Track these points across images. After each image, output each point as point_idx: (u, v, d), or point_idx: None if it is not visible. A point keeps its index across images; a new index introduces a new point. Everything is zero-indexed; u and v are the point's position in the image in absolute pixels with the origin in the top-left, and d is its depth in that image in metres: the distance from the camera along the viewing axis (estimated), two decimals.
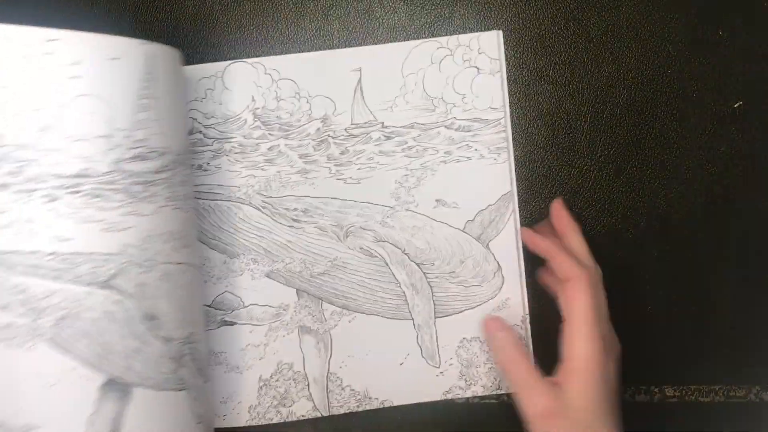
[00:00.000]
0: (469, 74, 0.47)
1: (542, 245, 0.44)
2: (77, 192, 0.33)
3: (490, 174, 0.47)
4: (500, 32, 0.47)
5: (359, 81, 0.47)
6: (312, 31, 0.47)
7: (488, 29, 0.47)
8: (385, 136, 0.47)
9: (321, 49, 0.47)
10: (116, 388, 0.34)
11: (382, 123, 0.47)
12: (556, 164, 0.48)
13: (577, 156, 0.48)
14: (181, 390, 0.37)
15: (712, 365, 0.49)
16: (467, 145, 0.47)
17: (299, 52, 0.47)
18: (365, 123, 0.47)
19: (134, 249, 0.34)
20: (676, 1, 0.47)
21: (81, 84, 0.33)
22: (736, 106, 0.47)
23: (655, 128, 0.48)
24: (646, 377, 0.50)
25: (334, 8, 0.47)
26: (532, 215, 0.48)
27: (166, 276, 0.36)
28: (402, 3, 0.47)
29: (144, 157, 0.35)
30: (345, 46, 0.47)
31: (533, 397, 0.41)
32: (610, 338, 0.43)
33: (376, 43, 0.47)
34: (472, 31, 0.47)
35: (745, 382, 0.49)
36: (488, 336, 0.46)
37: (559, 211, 0.46)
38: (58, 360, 0.33)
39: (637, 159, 0.48)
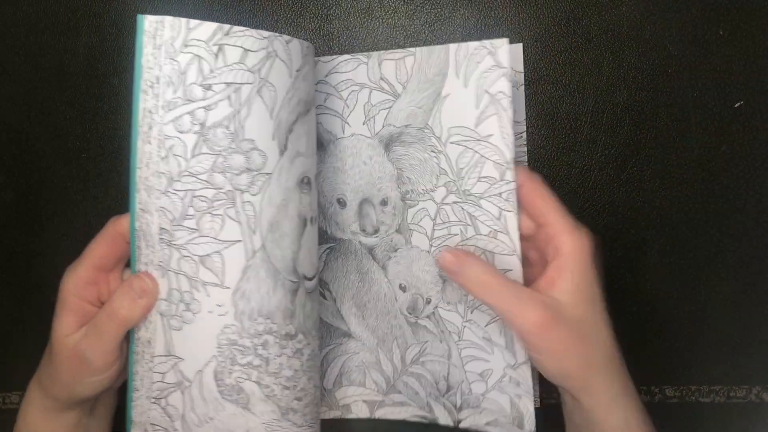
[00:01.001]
0: None
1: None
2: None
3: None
4: (521, 45, 0.47)
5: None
6: (312, 31, 0.47)
7: (488, 29, 0.47)
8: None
9: (320, 49, 0.47)
10: None
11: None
12: (556, 164, 0.48)
13: (577, 156, 0.48)
14: None
15: (712, 365, 0.49)
16: None
17: None
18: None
19: None
20: (676, 1, 0.47)
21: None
22: (736, 106, 0.47)
23: (655, 128, 0.48)
24: (646, 377, 0.50)
25: (334, 8, 0.47)
26: None
27: None
28: (402, 3, 0.47)
29: None
30: (345, 46, 0.47)
31: (523, 310, 0.36)
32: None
33: (376, 44, 0.47)
34: (472, 31, 0.47)
35: (745, 382, 0.49)
36: (455, 269, 0.38)
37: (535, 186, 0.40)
38: None
39: (637, 159, 0.48)
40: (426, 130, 0.43)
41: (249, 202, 0.37)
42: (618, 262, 0.49)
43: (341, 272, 0.46)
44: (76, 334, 0.37)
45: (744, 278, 0.48)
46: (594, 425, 0.37)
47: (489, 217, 0.41)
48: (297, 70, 0.39)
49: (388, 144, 0.44)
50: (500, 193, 0.41)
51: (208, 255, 0.37)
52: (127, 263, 0.39)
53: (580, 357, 0.36)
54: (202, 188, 0.37)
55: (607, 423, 0.37)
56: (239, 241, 0.37)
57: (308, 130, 0.40)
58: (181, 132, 0.36)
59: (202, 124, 0.36)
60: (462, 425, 0.44)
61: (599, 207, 0.48)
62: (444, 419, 0.44)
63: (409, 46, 0.47)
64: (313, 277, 0.40)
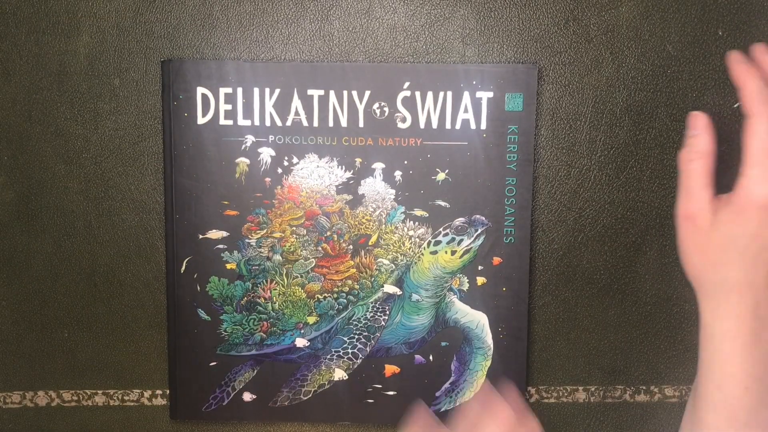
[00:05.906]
0: None
1: (736, 70, 0.40)
2: None
3: None
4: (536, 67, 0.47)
5: None
6: (312, 31, 0.47)
7: (489, 29, 0.47)
8: None
9: (320, 49, 0.47)
10: None
11: None
12: (556, 164, 0.48)
13: (577, 156, 0.48)
14: None
15: None
16: None
17: (299, 51, 0.47)
18: None
19: None
20: (676, 1, 0.47)
21: None
22: (736, 106, 0.47)
23: (655, 128, 0.48)
24: (646, 377, 0.50)
25: (334, 8, 0.47)
26: (531, 215, 0.48)
27: None
28: (402, 3, 0.47)
29: None
30: (345, 46, 0.47)
31: (689, 204, 0.40)
32: None
33: (376, 44, 0.47)
34: (472, 31, 0.47)
35: None
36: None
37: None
38: None
39: (637, 159, 0.48)
40: None
41: None
42: (618, 262, 0.49)
43: None
44: None
45: None
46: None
47: None
48: None
49: None
50: None
51: None
52: None
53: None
54: None
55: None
56: None
57: None
58: None
59: None
60: None
61: (599, 207, 0.48)
62: None
63: (409, 47, 0.47)
64: None
